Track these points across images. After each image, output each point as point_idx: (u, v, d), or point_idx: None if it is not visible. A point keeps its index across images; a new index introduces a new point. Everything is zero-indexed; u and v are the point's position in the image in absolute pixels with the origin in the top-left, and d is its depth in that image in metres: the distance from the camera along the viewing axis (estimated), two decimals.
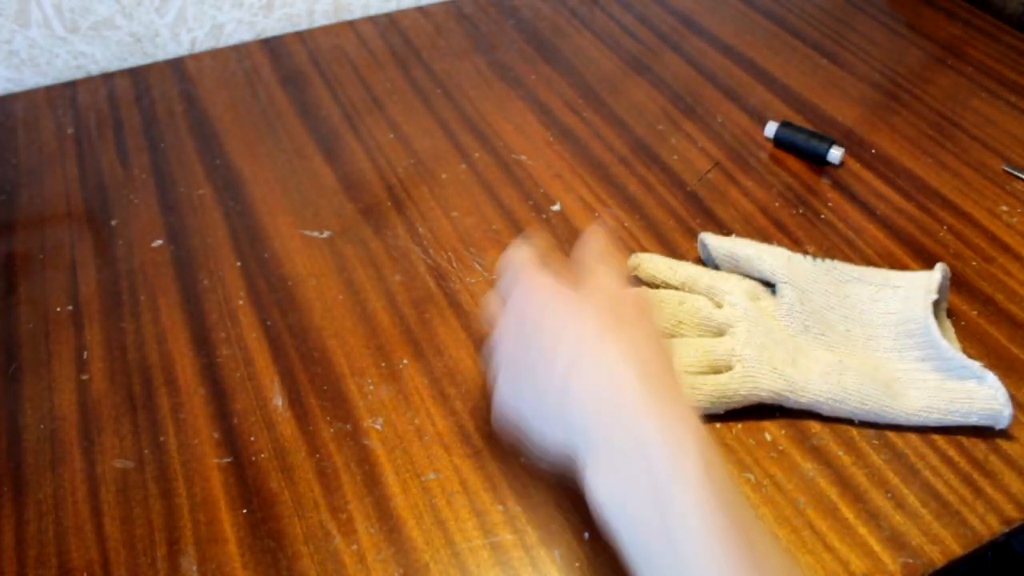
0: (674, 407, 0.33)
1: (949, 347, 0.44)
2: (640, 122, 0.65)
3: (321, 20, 0.78)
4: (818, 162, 0.60)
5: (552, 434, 0.36)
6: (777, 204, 0.57)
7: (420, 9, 0.79)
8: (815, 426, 0.44)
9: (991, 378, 0.42)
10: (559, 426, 0.35)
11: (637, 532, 0.31)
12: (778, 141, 0.61)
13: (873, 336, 0.46)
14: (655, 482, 0.31)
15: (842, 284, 0.48)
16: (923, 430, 0.44)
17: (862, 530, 0.40)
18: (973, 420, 0.43)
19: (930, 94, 0.67)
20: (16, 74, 0.70)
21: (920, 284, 0.46)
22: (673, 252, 0.54)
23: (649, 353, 0.35)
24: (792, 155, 0.61)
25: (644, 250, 0.54)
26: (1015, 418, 0.44)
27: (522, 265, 0.40)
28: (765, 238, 0.54)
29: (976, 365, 0.43)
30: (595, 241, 0.41)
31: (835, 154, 0.59)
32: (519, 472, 0.43)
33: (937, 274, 0.46)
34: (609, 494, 0.32)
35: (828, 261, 0.49)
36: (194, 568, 0.39)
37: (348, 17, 0.79)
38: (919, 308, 0.45)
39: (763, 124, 0.63)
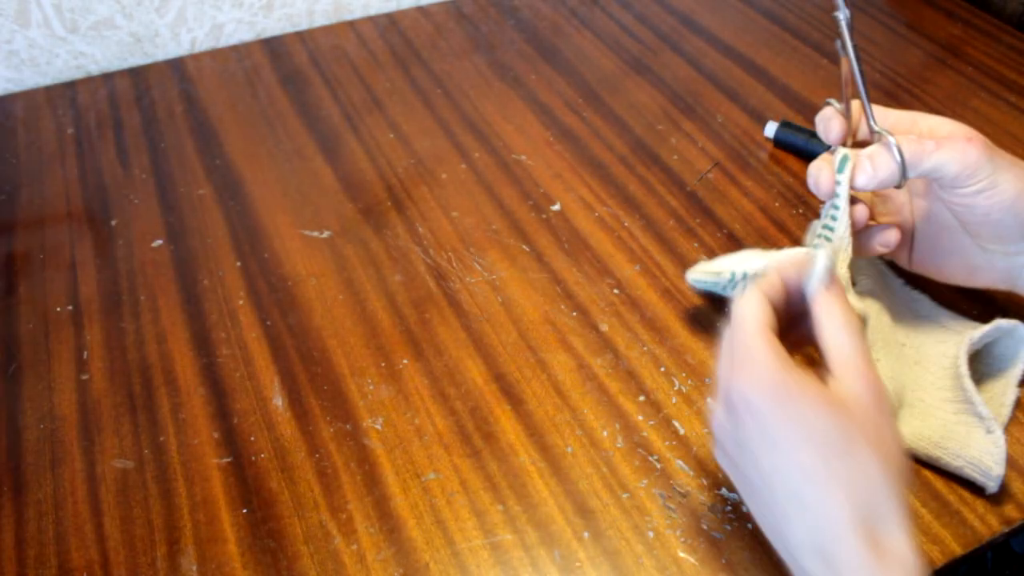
0: (890, 569, 0.30)
1: (973, 389, 0.41)
2: (640, 122, 0.65)
3: (321, 20, 0.78)
4: None
5: (774, 543, 0.34)
6: (777, 204, 0.57)
7: (420, 9, 0.79)
8: None
9: (998, 434, 0.40)
10: (778, 546, 0.33)
11: None
12: (778, 141, 0.61)
13: (921, 362, 0.45)
14: None
15: (919, 316, 0.47)
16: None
17: None
18: (960, 464, 0.40)
19: (930, 94, 0.67)
20: (16, 74, 0.70)
21: (982, 330, 0.43)
22: (673, 252, 0.54)
23: (874, 489, 0.31)
24: (792, 155, 0.61)
25: (644, 250, 0.54)
26: (1014, 418, 0.44)
27: (747, 341, 0.33)
28: (765, 238, 0.54)
29: (990, 415, 0.40)
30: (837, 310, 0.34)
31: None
32: (519, 472, 0.43)
33: (994, 326, 0.43)
34: None
35: (917, 292, 0.49)
36: (194, 568, 0.39)
37: (348, 17, 0.79)
38: (963, 347, 0.43)
39: (763, 124, 0.63)
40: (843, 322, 0.34)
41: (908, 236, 0.46)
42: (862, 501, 0.30)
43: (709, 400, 0.40)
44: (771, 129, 0.62)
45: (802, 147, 0.60)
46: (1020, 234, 0.41)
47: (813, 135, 0.60)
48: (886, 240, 0.44)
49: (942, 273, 0.46)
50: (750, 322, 0.34)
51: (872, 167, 0.40)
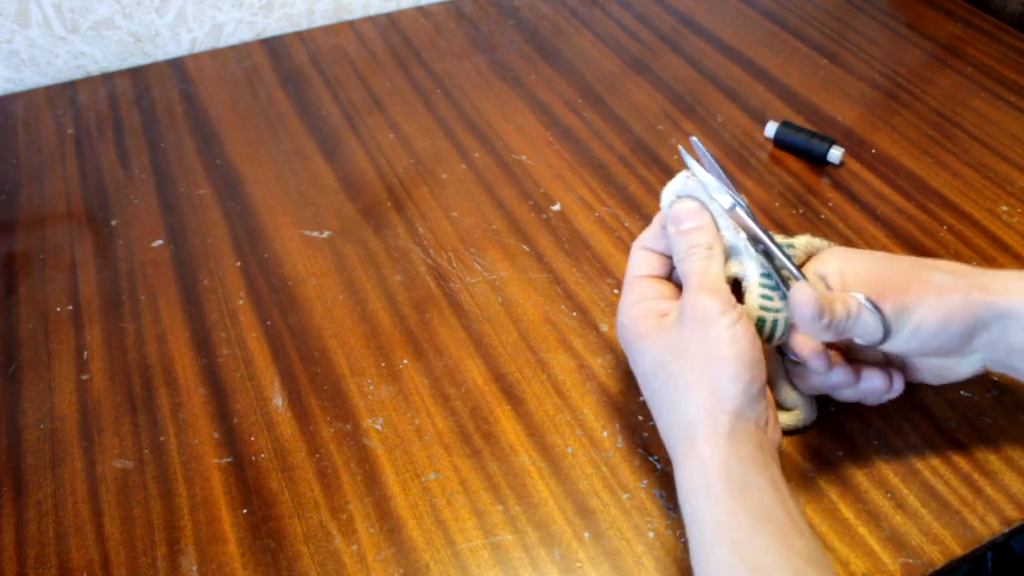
0: (688, 463, 0.36)
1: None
2: (640, 122, 0.65)
3: (321, 20, 0.78)
4: (818, 162, 0.60)
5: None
6: (777, 204, 0.57)
7: (420, 9, 0.79)
8: (815, 426, 0.44)
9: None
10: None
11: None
12: (778, 141, 0.61)
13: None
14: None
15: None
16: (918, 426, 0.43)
17: (862, 530, 0.40)
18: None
19: (930, 94, 0.67)
20: (16, 74, 0.70)
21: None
22: None
23: (704, 393, 0.36)
24: (792, 155, 0.61)
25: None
26: (1014, 417, 0.44)
27: (624, 284, 0.41)
28: None
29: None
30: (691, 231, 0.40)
31: (835, 154, 0.59)
32: (519, 472, 0.43)
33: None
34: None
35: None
36: (194, 568, 0.39)
37: (348, 17, 0.79)
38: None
39: (763, 124, 0.63)
40: (685, 249, 0.39)
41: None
42: (697, 405, 0.36)
43: None
44: (771, 129, 0.62)
45: (802, 147, 0.60)
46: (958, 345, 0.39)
47: (813, 135, 0.60)
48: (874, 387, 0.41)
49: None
50: (628, 274, 0.42)
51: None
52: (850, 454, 0.43)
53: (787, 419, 0.43)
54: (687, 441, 0.36)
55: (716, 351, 0.36)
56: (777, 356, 0.43)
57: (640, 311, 0.39)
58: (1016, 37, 0.73)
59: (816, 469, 0.42)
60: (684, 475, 0.35)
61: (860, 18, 0.77)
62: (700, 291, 0.37)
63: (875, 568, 0.38)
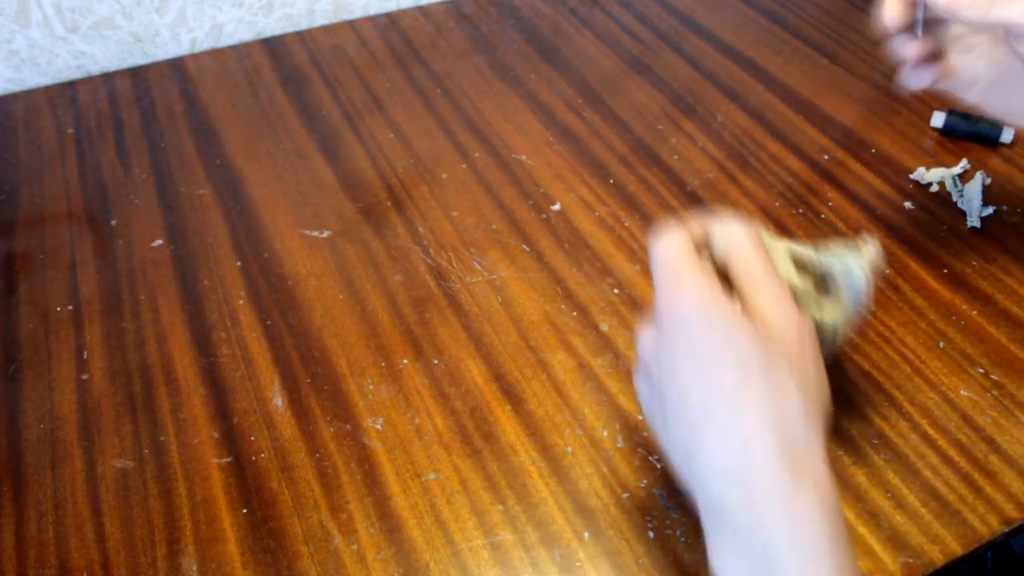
0: (807, 494, 0.29)
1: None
2: (640, 122, 0.65)
3: (321, 20, 0.78)
4: (990, 144, 0.61)
5: (679, 470, 0.33)
6: (777, 204, 0.57)
7: (420, 9, 0.79)
8: None
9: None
10: (685, 471, 0.32)
11: None
12: (948, 129, 0.62)
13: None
14: None
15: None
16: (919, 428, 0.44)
17: (862, 530, 0.40)
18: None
19: (931, 93, 0.67)
20: (16, 74, 0.70)
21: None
22: None
23: (792, 413, 0.30)
24: (962, 140, 0.62)
25: (644, 249, 0.54)
26: (1014, 417, 0.44)
27: (675, 264, 0.34)
28: None
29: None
30: (747, 239, 0.36)
31: (1007, 135, 0.61)
32: (519, 472, 0.43)
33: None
34: None
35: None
36: (194, 568, 0.39)
37: (348, 17, 0.79)
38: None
39: (763, 124, 0.63)
40: (771, 271, 0.34)
41: (975, 75, 0.46)
42: (780, 425, 0.30)
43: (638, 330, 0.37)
44: (939, 119, 0.62)
45: (974, 132, 0.62)
46: None
47: (981, 119, 0.61)
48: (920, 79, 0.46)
49: (1008, 115, 0.48)
50: (678, 250, 0.34)
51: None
52: (850, 454, 0.43)
53: None
54: (807, 464, 0.30)
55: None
56: None
57: (719, 287, 0.33)
58: None
59: None
60: (804, 506, 0.29)
61: (860, 18, 0.77)
62: (793, 315, 0.34)
63: (875, 568, 0.38)
